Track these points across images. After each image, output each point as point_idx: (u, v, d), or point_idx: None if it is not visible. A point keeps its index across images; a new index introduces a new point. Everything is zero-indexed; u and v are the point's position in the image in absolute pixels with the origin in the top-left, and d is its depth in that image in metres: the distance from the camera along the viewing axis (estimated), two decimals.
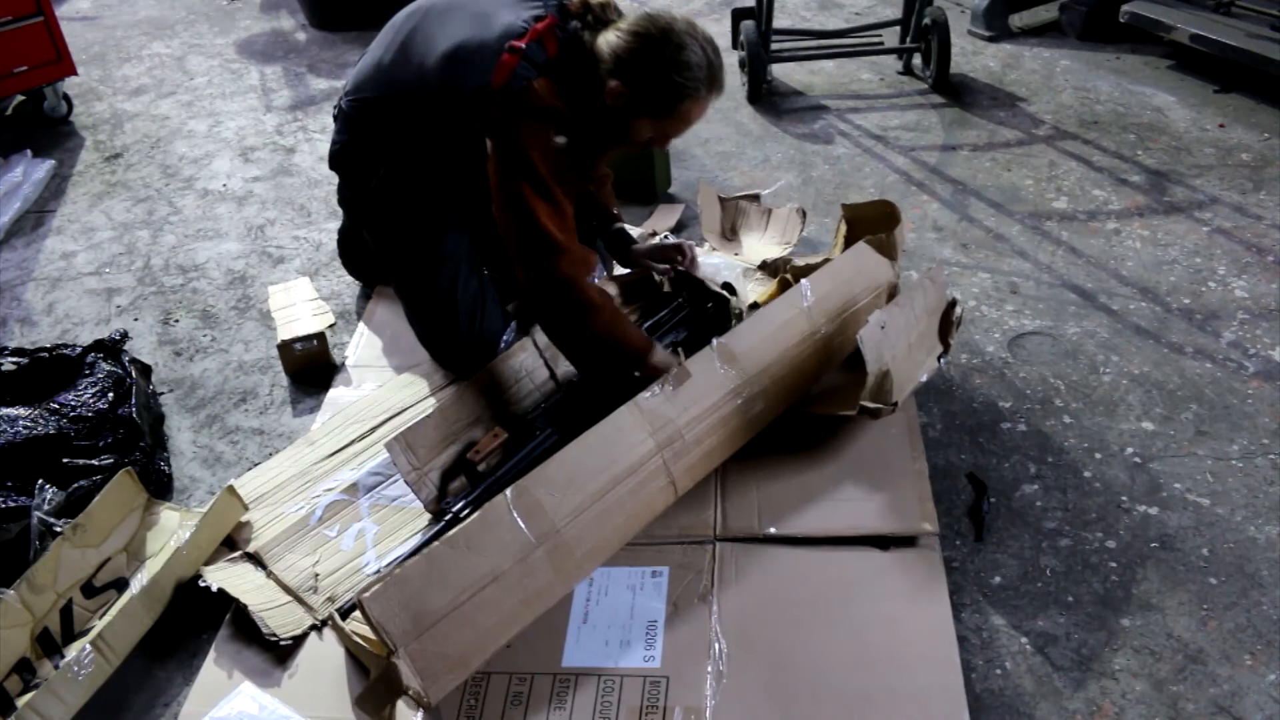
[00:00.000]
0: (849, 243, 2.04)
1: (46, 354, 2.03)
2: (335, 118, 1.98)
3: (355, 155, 1.92)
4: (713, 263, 2.25)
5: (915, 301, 1.75)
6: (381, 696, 1.32)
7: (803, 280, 1.82)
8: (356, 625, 1.49)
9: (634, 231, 2.47)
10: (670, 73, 1.56)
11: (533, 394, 1.92)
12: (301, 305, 2.25)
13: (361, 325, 2.26)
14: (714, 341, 1.67)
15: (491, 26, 1.63)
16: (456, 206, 1.92)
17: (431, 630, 1.33)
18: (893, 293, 1.94)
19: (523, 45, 1.59)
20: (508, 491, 1.43)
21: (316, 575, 1.63)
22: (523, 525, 1.41)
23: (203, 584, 1.59)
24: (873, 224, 2.05)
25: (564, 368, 1.94)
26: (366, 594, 1.32)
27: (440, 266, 1.91)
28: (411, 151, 1.84)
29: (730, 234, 2.46)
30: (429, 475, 1.74)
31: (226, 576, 1.62)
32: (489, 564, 1.38)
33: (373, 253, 2.23)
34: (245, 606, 1.55)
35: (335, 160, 1.98)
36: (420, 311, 1.99)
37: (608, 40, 1.59)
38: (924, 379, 1.77)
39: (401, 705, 1.37)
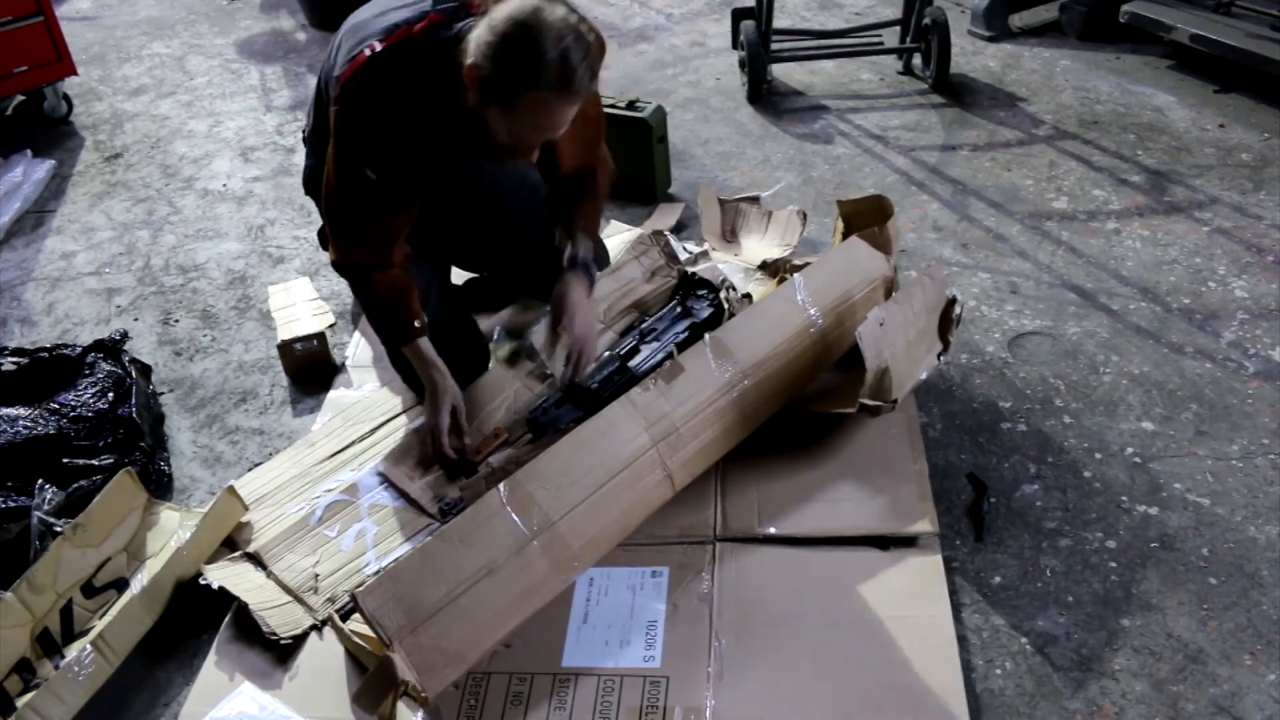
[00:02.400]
0: (845, 239, 2.04)
1: (46, 354, 2.04)
2: (304, 141, 2.00)
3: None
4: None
5: (914, 298, 1.75)
6: (378, 691, 1.32)
7: (795, 274, 1.82)
8: (356, 625, 1.49)
9: (634, 232, 2.47)
10: (515, 60, 1.45)
11: (519, 399, 1.92)
12: (301, 305, 2.25)
13: (358, 332, 2.26)
14: (706, 336, 1.68)
15: (374, 26, 1.59)
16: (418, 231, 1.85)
17: (427, 624, 1.33)
18: (889, 287, 1.94)
19: (379, 47, 1.54)
20: (500, 486, 1.43)
21: (317, 576, 1.63)
22: (516, 519, 1.41)
23: (203, 582, 1.59)
24: (868, 219, 2.06)
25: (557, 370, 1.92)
26: (361, 589, 1.33)
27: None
28: None
29: (730, 236, 2.46)
30: (425, 481, 1.76)
31: (227, 575, 1.62)
32: (483, 557, 1.38)
33: None
34: (246, 605, 1.55)
35: (307, 184, 2.03)
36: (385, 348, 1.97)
37: (476, 29, 1.50)
38: (924, 376, 1.77)
39: (402, 705, 1.37)
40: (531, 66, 1.44)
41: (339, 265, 1.77)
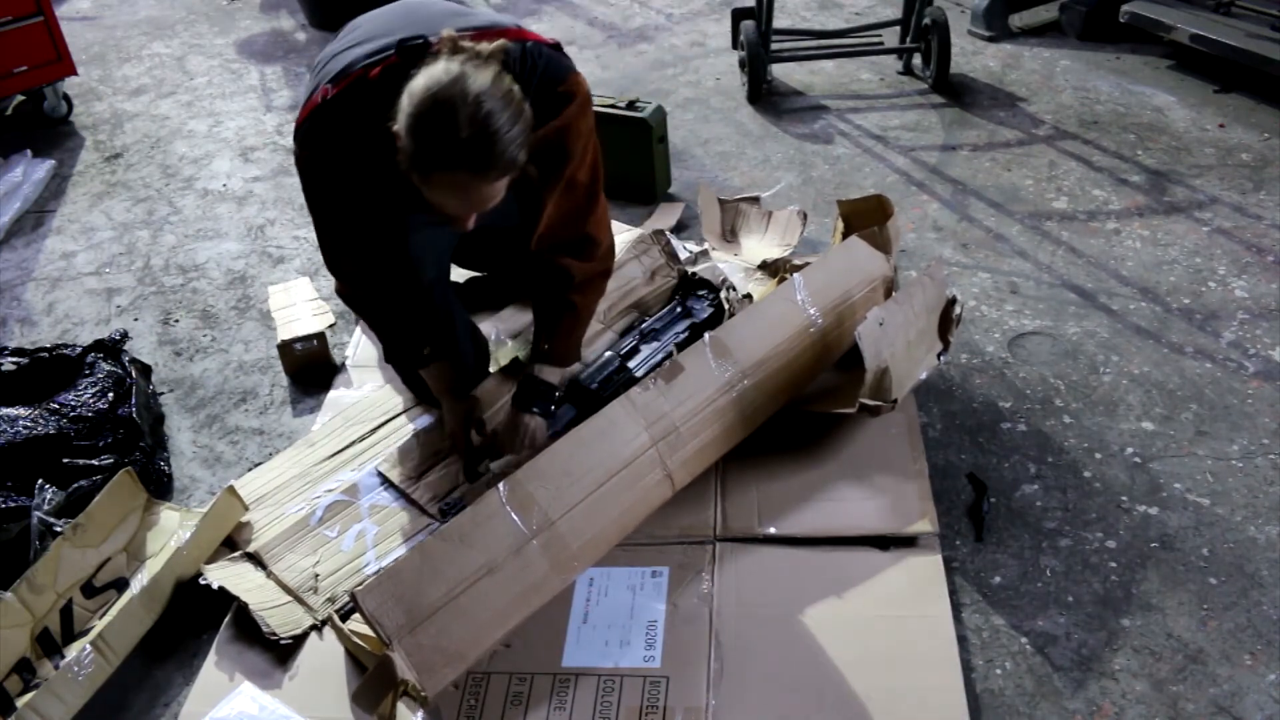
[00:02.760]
0: (845, 239, 2.05)
1: (46, 354, 2.04)
2: None
3: None
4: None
5: (914, 298, 1.75)
6: (377, 690, 1.32)
7: (795, 274, 1.82)
8: (356, 625, 1.49)
9: (635, 232, 2.47)
10: (427, 136, 1.34)
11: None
12: (301, 305, 2.25)
13: (358, 331, 2.25)
14: (706, 336, 1.68)
15: (332, 67, 1.54)
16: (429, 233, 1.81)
17: (426, 623, 1.33)
18: (889, 287, 1.94)
19: (331, 90, 1.50)
20: (500, 486, 1.43)
21: (317, 576, 1.63)
22: (516, 518, 1.41)
23: (203, 582, 1.59)
24: (867, 219, 2.06)
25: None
26: (360, 588, 1.33)
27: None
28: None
29: (730, 236, 2.46)
30: (425, 482, 1.76)
31: (227, 575, 1.62)
32: (483, 556, 1.38)
33: None
34: (246, 606, 1.55)
35: None
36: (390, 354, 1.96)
37: (404, 91, 1.39)
38: (923, 376, 1.77)
39: (401, 705, 1.37)
40: (443, 144, 1.33)
41: (340, 294, 1.79)
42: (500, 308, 2.17)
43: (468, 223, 1.50)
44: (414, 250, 1.72)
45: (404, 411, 1.97)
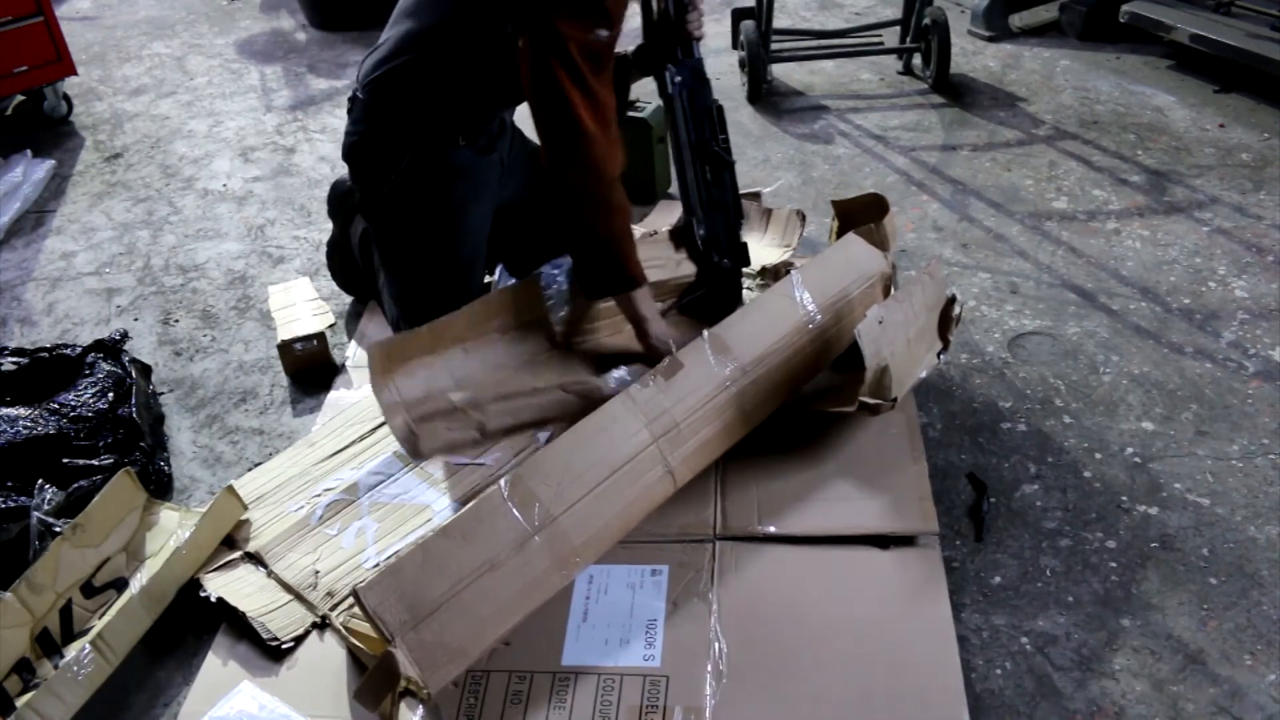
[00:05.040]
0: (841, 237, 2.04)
1: (46, 354, 2.03)
2: (350, 110, 1.87)
3: (375, 147, 1.81)
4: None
5: (914, 297, 1.75)
6: (379, 687, 1.32)
7: (792, 271, 1.82)
8: (357, 623, 1.49)
9: (636, 231, 2.47)
10: None
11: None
12: (301, 305, 2.25)
13: (353, 343, 2.24)
14: (705, 333, 1.68)
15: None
16: (479, 210, 1.87)
17: (428, 620, 1.33)
18: (887, 284, 1.94)
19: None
20: (501, 482, 1.43)
21: (317, 573, 1.63)
22: (518, 514, 1.41)
23: (203, 595, 1.59)
24: (864, 217, 2.06)
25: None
26: (362, 584, 1.32)
27: (452, 271, 1.87)
28: (438, 135, 1.77)
29: None
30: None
31: (227, 583, 1.62)
32: (485, 553, 1.38)
33: (359, 263, 2.22)
34: (245, 615, 1.55)
35: (350, 152, 1.86)
36: (417, 315, 1.95)
37: None
38: (923, 375, 1.77)
39: (402, 704, 1.37)
40: None
41: (585, 170, 1.60)
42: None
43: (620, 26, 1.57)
44: (463, 255, 1.78)
45: None
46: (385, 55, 1.77)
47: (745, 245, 1.98)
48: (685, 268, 2.02)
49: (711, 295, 1.96)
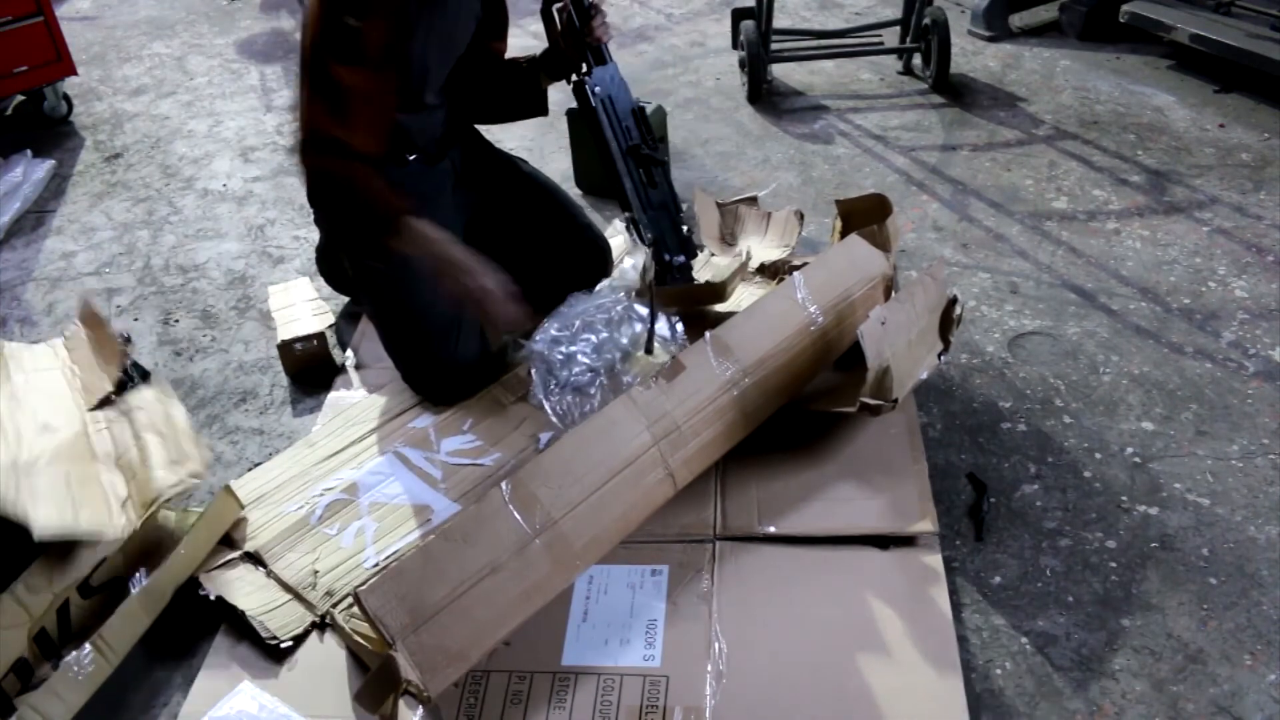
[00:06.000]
0: (844, 238, 2.04)
1: None
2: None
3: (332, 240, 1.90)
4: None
5: (915, 298, 1.75)
6: (380, 690, 1.32)
7: (795, 273, 1.82)
8: (357, 623, 1.49)
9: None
10: None
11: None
12: (301, 305, 2.25)
13: (357, 332, 2.24)
14: (708, 334, 1.68)
15: None
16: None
17: (429, 623, 1.33)
18: (889, 285, 1.94)
19: None
20: (502, 485, 1.43)
21: (316, 572, 1.63)
22: (519, 517, 1.41)
23: (202, 593, 1.59)
24: (866, 217, 2.05)
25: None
26: (363, 587, 1.32)
27: (412, 287, 1.87)
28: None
29: (729, 239, 2.46)
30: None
31: (226, 582, 1.62)
32: (486, 556, 1.38)
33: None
34: (244, 613, 1.55)
35: (311, 195, 1.93)
36: (393, 336, 1.97)
37: None
38: (924, 376, 1.77)
39: (402, 703, 1.37)
40: None
41: (314, 141, 1.62)
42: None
43: None
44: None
45: (405, 411, 1.97)
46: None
47: (690, 237, 2.02)
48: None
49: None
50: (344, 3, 1.56)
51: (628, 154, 1.92)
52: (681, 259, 1.99)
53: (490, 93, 2.01)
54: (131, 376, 2.00)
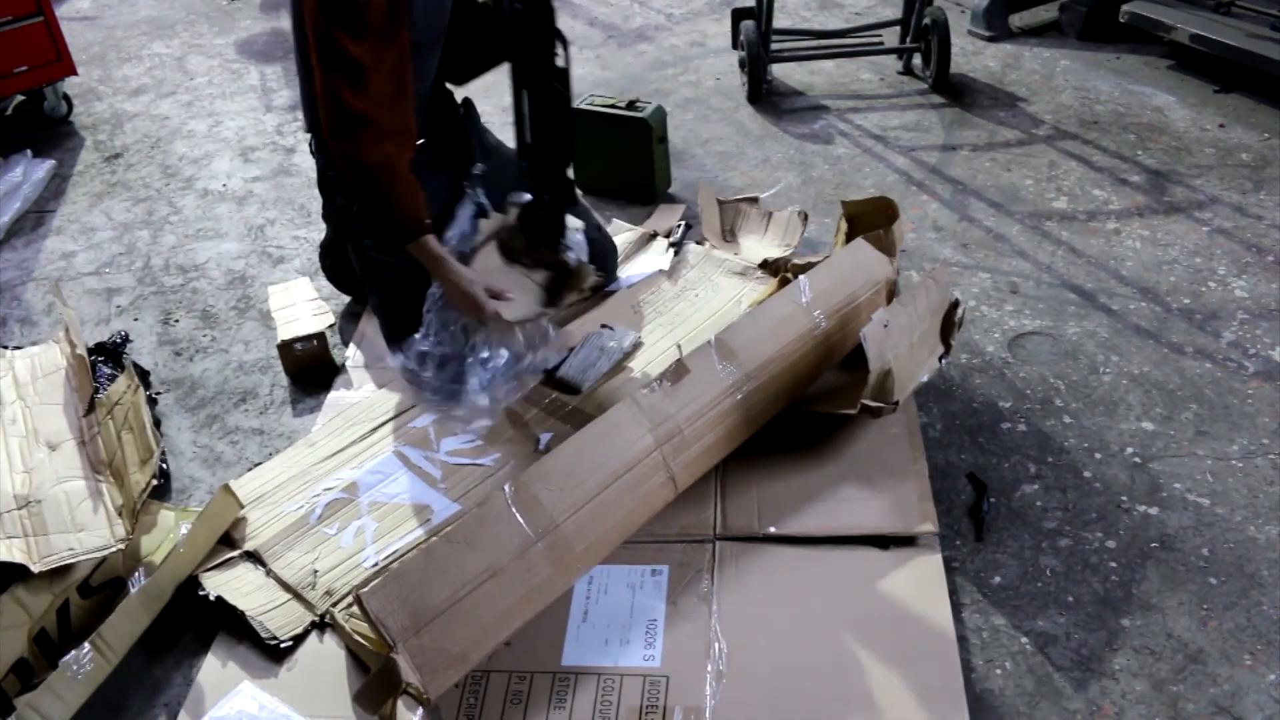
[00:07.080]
0: (849, 239, 2.04)
1: None
2: (311, 152, 1.99)
3: (338, 179, 1.87)
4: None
5: (918, 301, 1.75)
6: (380, 692, 1.32)
7: (800, 276, 1.82)
8: (357, 623, 1.49)
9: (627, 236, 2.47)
10: None
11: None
12: (301, 305, 2.25)
13: (352, 346, 2.24)
14: (712, 338, 1.68)
15: None
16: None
17: (430, 625, 1.33)
18: (892, 289, 1.94)
19: None
20: (506, 487, 1.43)
21: (315, 572, 1.63)
22: (521, 520, 1.41)
23: (202, 593, 1.59)
24: (872, 220, 2.05)
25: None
26: (365, 589, 1.32)
27: (418, 283, 1.87)
28: None
29: (730, 236, 2.46)
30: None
31: (226, 581, 1.62)
32: (488, 559, 1.38)
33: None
34: (244, 613, 1.55)
35: (322, 185, 2.01)
36: (396, 331, 1.96)
37: None
38: (925, 379, 1.77)
39: (402, 703, 1.37)
40: None
41: (342, 118, 1.61)
42: None
43: None
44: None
45: (405, 411, 1.97)
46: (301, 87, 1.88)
47: (571, 182, 1.96)
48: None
49: (531, 232, 1.94)
50: None
51: (534, 74, 1.82)
52: (547, 199, 1.91)
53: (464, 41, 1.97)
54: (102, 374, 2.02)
